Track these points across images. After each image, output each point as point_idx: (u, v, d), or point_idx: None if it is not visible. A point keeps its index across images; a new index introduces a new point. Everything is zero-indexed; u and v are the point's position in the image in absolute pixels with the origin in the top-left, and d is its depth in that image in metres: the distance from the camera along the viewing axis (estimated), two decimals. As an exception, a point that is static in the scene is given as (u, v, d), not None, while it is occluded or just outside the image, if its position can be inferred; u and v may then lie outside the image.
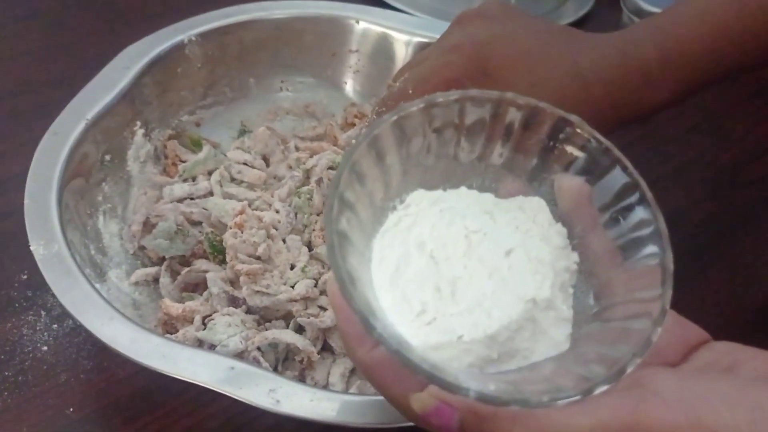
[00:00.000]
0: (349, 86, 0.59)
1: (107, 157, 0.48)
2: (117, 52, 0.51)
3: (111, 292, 0.43)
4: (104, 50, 0.52)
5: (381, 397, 0.36)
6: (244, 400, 0.34)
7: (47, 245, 0.40)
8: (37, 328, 0.45)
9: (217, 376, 0.35)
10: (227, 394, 0.34)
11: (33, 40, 0.66)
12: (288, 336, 0.39)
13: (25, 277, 0.48)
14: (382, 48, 0.58)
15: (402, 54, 0.58)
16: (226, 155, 0.52)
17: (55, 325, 0.45)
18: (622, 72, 0.42)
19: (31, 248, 0.39)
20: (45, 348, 0.44)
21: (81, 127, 0.46)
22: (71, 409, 0.42)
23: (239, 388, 0.35)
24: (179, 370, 0.35)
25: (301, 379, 0.41)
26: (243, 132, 0.57)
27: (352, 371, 0.40)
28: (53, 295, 0.40)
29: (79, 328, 0.43)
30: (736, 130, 0.68)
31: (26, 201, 0.41)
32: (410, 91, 0.44)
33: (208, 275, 0.43)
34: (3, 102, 0.60)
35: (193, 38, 0.53)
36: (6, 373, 0.43)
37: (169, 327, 0.43)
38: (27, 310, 0.46)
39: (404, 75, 0.46)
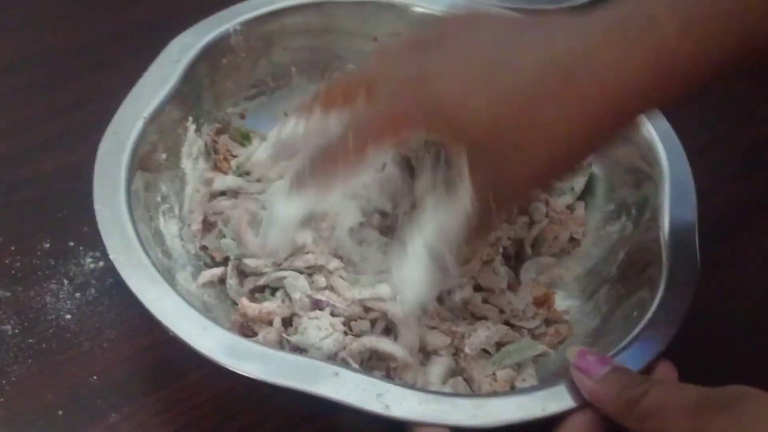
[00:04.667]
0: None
1: (163, 156, 0.47)
2: (133, 19, 0.49)
3: (183, 297, 0.42)
4: (119, 19, 0.50)
5: (489, 397, 0.36)
6: (355, 407, 0.34)
7: (126, 254, 0.38)
8: (60, 296, 0.45)
9: (321, 381, 0.34)
10: (339, 401, 0.34)
11: (44, 6, 0.64)
12: (386, 345, 0.39)
13: (48, 245, 0.47)
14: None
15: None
16: None
17: (78, 294, 0.45)
18: (619, 52, 0.31)
19: (111, 257, 0.38)
20: (68, 316, 0.44)
21: (140, 125, 0.44)
22: (95, 378, 0.42)
23: (347, 394, 0.34)
24: (299, 384, 0.34)
25: (388, 376, 0.40)
26: (287, 122, 0.55)
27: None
28: (76, 264, 0.42)
29: (101, 297, 0.45)
30: (757, 111, 0.67)
31: (97, 207, 0.40)
32: (350, 144, 0.35)
33: (286, 282, 0.42)
34: (20, 72, 0.59)
35: (237, 27, 0.52)
36: (30, 341, 0.43)
37: (245, 329, 0.43)
38: (50, 278, 0.46)
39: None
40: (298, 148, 0.40)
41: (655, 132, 0.48)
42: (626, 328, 0.40)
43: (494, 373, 0.40)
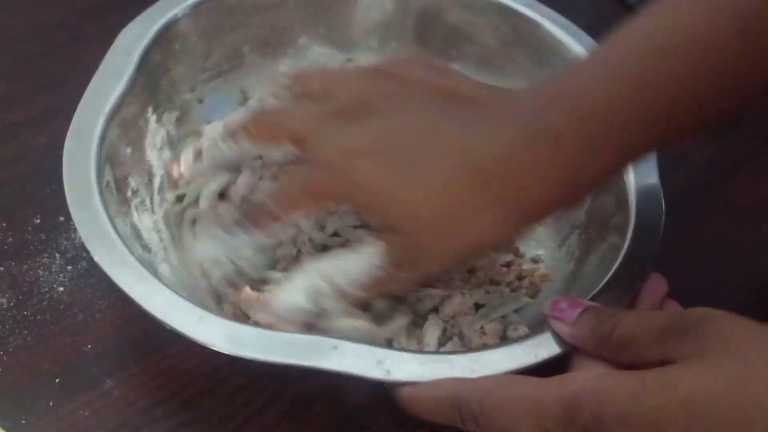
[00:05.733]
0: (345, 41, 0.58)
1: (128, 150, 0.46)
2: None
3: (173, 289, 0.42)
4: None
5: (483, 351, 0.38)
6: (358, 376, 0.35)
7: (111, 255, 0.38)
8: (53, 269, 0.46)
9: (322, 355, 0.36)
10: (340, 372, 0.35)
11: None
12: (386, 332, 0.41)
13: (38, 220, 0.48)
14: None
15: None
16: None
17: (70, 267, 0.47)
18: (536, 162, 0.35)
19: (96, 259, 0.38)
20: (61, 289, 0.46)
21: (102, 123, 0.43)
22: (89, 346, 0.43)
23: (349, 365, 0.35)
24: (302, 360, 0.35)
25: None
26: (244, 100, 0.55)
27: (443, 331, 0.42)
28: (67, 238, 0.44)
29: (93, 270, 0.46)
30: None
31: (72, 211, 0.39)
32: (275, 210, 0.38)
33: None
34: (2, 48, 0.59)
35: (186, 11, 0.51)
36: (25, 313, 0.44)
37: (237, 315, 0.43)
38: (42, 252, 0.47)
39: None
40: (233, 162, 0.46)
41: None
42: (601, 269, 0.42)
43: (482, 327, 0.42)
